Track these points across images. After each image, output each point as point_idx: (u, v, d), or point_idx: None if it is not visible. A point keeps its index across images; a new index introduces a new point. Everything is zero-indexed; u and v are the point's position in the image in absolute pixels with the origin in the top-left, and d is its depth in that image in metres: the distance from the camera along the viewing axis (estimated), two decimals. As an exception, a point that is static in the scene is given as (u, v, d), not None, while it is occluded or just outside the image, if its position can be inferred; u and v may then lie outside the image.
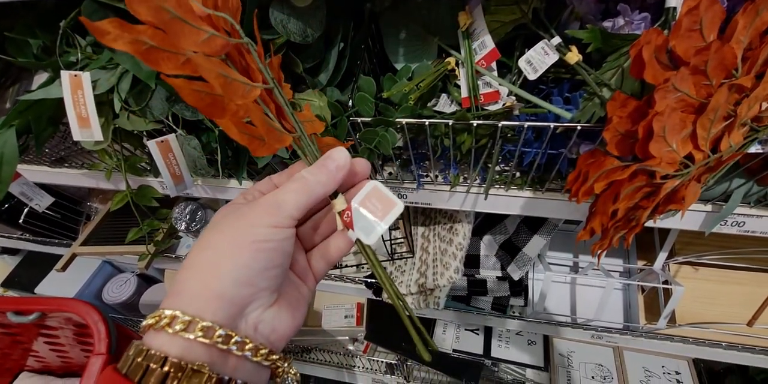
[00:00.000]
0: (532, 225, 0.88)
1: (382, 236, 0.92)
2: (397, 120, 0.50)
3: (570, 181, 0.37)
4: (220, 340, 0.25)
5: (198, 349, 0.25)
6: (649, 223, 0.48)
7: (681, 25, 0.30)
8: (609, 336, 1.00)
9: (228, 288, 0.26)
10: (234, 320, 0.26)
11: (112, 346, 0.61)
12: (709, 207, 0.58)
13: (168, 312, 0.25)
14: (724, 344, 0.88)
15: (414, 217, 0.99)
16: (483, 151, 0.55)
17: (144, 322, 0.26)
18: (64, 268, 0.95)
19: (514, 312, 1.04)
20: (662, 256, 0.90)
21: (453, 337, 1.23)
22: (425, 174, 0.66)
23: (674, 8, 0.39)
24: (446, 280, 0.82)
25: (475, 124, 0.48)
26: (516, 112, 0.50)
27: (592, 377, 1.12)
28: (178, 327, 0.24)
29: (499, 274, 0.93)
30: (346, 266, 1.11)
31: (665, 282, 0.87)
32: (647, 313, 0.96)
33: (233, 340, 0.26)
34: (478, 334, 1.23)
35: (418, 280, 0.87)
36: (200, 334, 0.25)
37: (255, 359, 0.27)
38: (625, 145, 0.35)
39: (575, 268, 1.10)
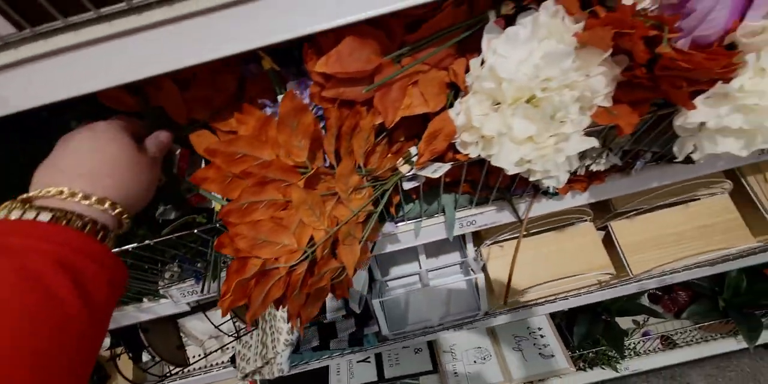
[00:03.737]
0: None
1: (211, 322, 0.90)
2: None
3: (223, 291, 0.39)
4: None
5: None
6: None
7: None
8: (470, 325, 1.10)
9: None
10: None
11: None
12: (441, 218, 0.67)
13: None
14: (543, 301, 1.01)
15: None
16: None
17: None
18: None
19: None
20: (470, 247, 1.00)
21: (347, 374, 1.24)
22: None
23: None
24: (282, 344, 0.82)
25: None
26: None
27: (474, 361, 1.21)
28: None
29: (344, 313, 0.96)
30: (211, 353, 1.06)
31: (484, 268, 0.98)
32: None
33: None
34: (369, 362, 1.26)
35: (261, 351, 0.86)
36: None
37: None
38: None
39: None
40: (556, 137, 0.42)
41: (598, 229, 1.02)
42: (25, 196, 0.34)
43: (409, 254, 1.18)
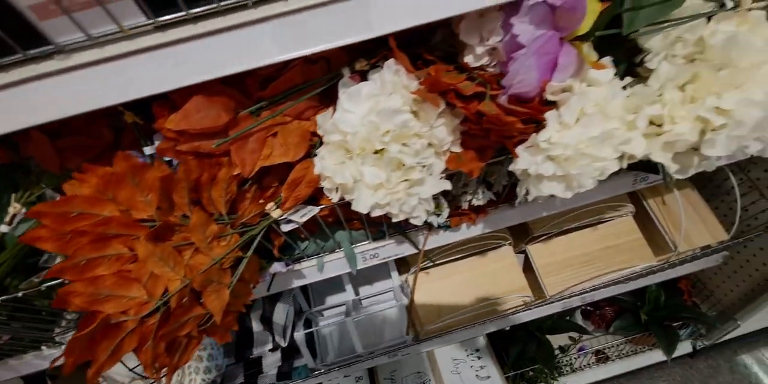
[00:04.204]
0: (273, 295, 0.92)
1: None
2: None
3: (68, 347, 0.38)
4: None
5: None
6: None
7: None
8: (402, 352, 1.10)
9: None
10: None
11: None
12: (341, 254, 0.69)
13: None
14: (472, 323, 1.04)
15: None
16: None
17: None
18: None
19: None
20: (395, 276, 1.02)
21: (286, 408, 1.22)
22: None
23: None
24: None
25: None
26: None
27: (414, 387, 1.22)
28: None
29: (270, 346, 0.96)
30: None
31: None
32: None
33: None
34: (309, 393, 1.24)
35: (179, 393, 0.84)
36: None
37: None
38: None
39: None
40: (407, 182, 0.45)
41: (520, 253, 1.06)
42: None
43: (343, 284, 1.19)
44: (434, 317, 1.00)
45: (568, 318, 1.35)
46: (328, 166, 0.43)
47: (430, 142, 0.45)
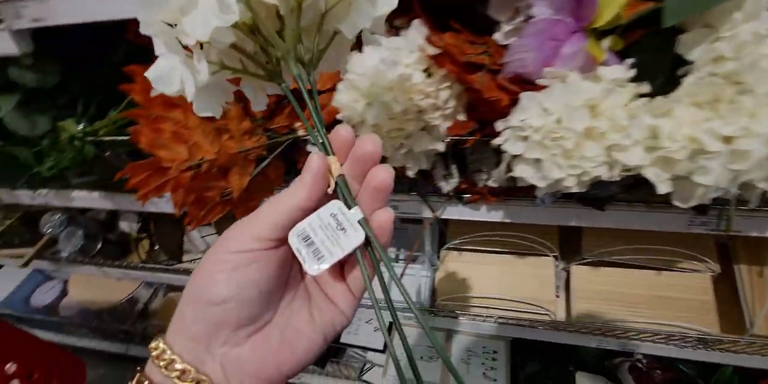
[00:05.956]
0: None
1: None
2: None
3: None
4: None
5: None
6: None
7: None
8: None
9: (186, 324, 0.26)
10: (199, 358, 0.25)
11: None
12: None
13: (161, 345, 0.26)
14: (485, 316, 1.04)
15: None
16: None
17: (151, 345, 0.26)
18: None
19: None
20: (427, 244, 1.07)
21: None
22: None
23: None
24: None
25: None
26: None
27: (421, 357, 1.27)
28: (162, 363, 0.25)
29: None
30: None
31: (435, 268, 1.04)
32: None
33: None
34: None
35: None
36: (176, 374, 0.24)
37: None
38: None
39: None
40: (402, 132, 0.50)
41: (566, 271, 1.00)
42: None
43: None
44: (451, 293, 1.03)
45: (606, 364, 1.23)
46: (341, 99, 0.51)
47: (436, 104, 0.49)
